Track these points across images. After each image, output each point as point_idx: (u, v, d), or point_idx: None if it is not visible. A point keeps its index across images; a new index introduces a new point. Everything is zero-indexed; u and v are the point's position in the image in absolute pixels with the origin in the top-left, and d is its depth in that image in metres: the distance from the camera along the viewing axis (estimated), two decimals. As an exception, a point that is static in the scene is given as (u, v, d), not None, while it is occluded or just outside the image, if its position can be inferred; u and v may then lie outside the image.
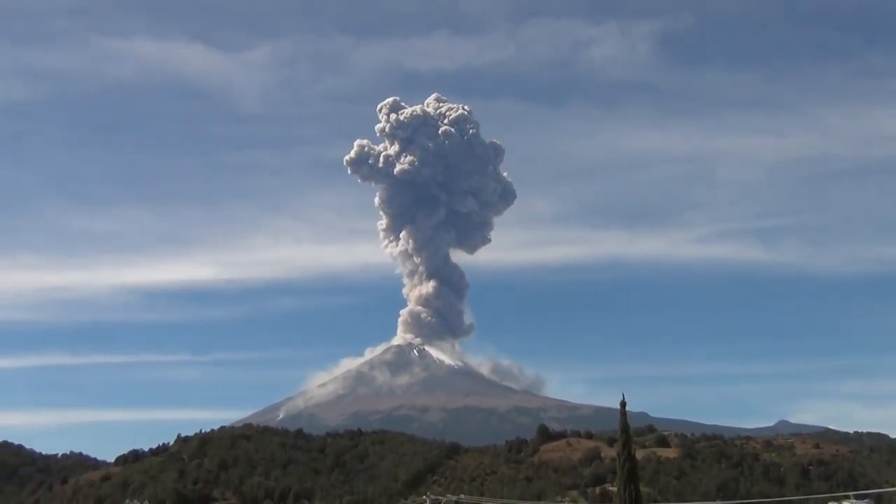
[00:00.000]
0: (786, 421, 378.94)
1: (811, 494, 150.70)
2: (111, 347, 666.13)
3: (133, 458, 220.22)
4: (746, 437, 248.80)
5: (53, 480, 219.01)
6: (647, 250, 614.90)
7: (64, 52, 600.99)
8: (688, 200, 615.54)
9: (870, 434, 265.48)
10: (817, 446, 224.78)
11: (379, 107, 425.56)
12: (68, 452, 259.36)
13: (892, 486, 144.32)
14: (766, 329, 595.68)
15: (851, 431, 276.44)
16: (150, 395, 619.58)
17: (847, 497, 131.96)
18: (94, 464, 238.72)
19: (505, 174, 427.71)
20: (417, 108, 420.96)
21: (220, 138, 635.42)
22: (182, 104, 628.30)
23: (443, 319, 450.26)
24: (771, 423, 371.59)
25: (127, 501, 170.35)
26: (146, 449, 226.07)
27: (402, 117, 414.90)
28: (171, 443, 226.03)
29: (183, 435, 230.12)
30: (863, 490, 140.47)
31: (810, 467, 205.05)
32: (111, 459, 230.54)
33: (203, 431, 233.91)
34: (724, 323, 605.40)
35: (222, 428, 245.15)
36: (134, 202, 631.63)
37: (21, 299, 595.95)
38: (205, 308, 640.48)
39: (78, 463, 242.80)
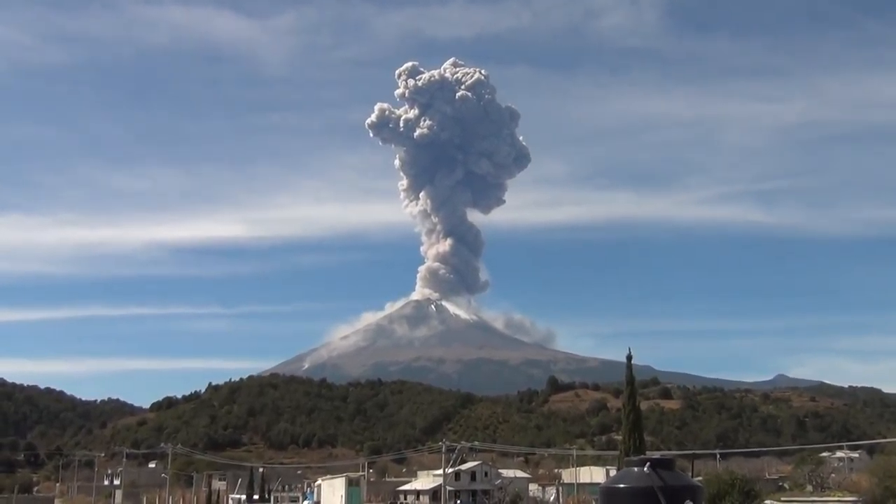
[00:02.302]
0: (783, 375, 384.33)
1: (807, 445, 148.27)
2: (145, 300, 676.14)
3: (167, 404, 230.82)
4: (745, 389, 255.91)
5: (93, 425, 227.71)
6: (652, 211, 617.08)
7: (98, 18, 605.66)
8: (692, 164, 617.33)
9: (863, 388, 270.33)
10: (813, 399, 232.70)
11: (397, 72, 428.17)
12: (106, 399, 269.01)
13: (884, 437, 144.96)
14: (765, 287, 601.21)
15: (846, 386, 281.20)
16: (183, 345, 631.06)
17: (841, 448, 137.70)
18: (130, 409, 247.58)
19: (521, 138, 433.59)
20: (435, 72, 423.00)
21: (246, 101, 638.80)
22: (211, 69, 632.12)
23: (459, 276, 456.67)
24: (769, 377, 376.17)
25: (162, 445, 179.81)
26: (179, 396, 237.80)
27: (420, 83, 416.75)
28: (203, 390, 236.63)
29: (214, 383, 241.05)
30: (856, 441, 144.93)
31: (806, 419, 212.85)
32: (146, 406, 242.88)
33: (232, 380, 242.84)
34: (726, 281, 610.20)
35: (251, 377, 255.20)
36: (165, 162, 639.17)
37: (60, 254, 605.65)
38: (233, 263, 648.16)
39: (116, 409, 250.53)
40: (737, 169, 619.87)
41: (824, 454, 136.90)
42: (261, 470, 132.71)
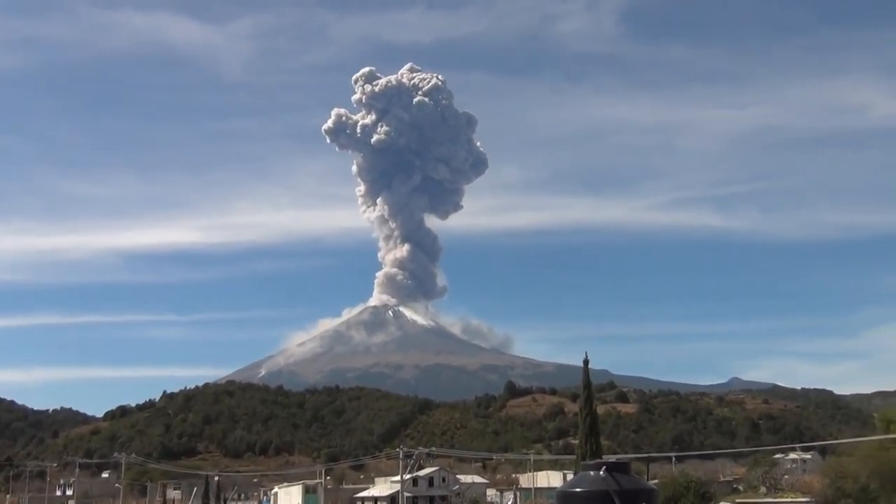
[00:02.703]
0: (737, 378, 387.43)
1: (760, 447, 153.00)
2: (100, 307, 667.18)
3: (121, 413, 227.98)
4: (700, 393, 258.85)
5: (45, 434, 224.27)
6: (610, 216, 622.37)
7: (55, 22, 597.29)
8: (650, 169, 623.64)
9: (816, 390, 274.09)
10: (766, 402, 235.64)
11: (354, 78, 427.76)
12: (59, 408, 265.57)
13: (836, 439, 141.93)
14: (720, 291, 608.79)
15: (799, 388, 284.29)
16: (138, 353, 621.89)
17: (794, 449, 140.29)
18: (83, 419, 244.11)
19: (478, 143, 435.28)
20: (392, 78, 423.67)
21: (205, 107, 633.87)
22: (169, 74, 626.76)
23: (417, 281, 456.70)
24: (723, 380, 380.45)
25: (115, 454, 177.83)
26: (133, 404, 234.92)
27: (377, 88, 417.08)
28: (158, 399, 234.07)
29: (168, 391, 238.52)
30: (808, 443, 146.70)
31: (760, 421, 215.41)
32: (100, 414, 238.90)
33: (188, 388, 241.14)
34: (682, 285, 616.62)
35: (206, 384, 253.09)
36: (122, 168, 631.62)
37: (14, 262, 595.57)
38: (189, 270, 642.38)
39: (68, 418, 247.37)
40: (694, 174, 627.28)
41: (778, 456, 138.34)
42: (216, 478, 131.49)
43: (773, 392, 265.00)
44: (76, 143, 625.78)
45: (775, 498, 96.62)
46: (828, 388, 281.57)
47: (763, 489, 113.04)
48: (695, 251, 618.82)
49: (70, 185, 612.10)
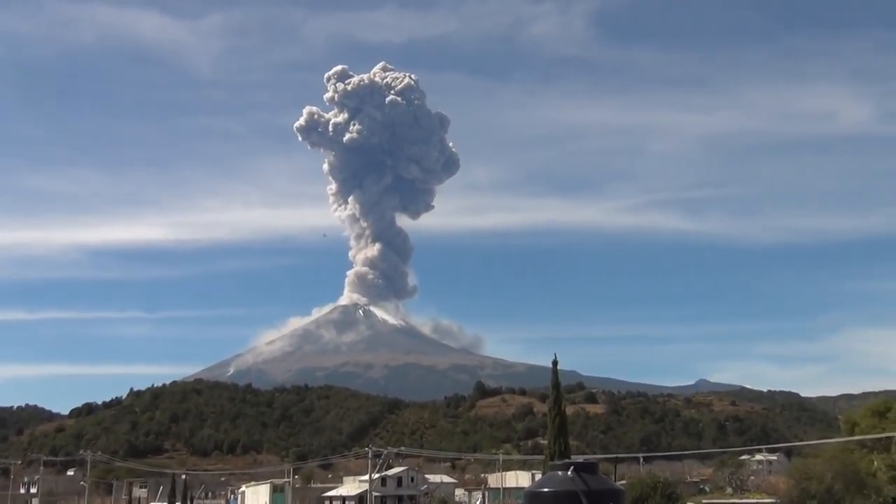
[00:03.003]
0: (705, 380, 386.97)
1: (727, 448, 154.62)
2: (65, 304, 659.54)
3: (87, 410, 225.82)
4: (668, 394, 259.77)
5: (9, 431, 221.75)
6: (580, 218, 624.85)
7: (20, 15, 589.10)
8: (620, 171, 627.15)
9: (782, 393, 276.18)
10: (733, 404, 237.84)
11: (326, 76, 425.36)
12: (24, 405, 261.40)
13: (802, 440, 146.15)
14: (689, 294, 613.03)
15: (765, 390, 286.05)
16: (104, 350, 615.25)
17: (760, 451, 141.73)
18: (48, 416, 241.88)
19: (451, 144, 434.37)
20: (365, 76, 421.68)
21: (173, 103, 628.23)
22: (137, 69, 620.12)
23: (388, 281, 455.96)
24: (691, 382, 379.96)
25: (81, 452, 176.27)
26: (100, 402, 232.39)
27: (349, 87, 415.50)
28: (125, 396, 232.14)
29: (136, 389, 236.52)
30: (774, 444, 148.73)
31: (727, 423, 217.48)
32: (66, 412, 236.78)
33: (155, 385, 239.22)
34: (650, 287, 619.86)
35: (174, 382, 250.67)
36: (88, 164, 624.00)
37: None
38: (157, 267, 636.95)
39: (33, 415, 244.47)
40: (663, 177, 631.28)
41: (744, 457, 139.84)
42: (183, 477, 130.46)
43: (740, 394, 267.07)
44: (41, 139, 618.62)
45: (741, 499, 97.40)
46: (794, 391, 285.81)
47: (729, 490, 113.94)
48: (663, 254, 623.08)
49: (35, 180, 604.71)
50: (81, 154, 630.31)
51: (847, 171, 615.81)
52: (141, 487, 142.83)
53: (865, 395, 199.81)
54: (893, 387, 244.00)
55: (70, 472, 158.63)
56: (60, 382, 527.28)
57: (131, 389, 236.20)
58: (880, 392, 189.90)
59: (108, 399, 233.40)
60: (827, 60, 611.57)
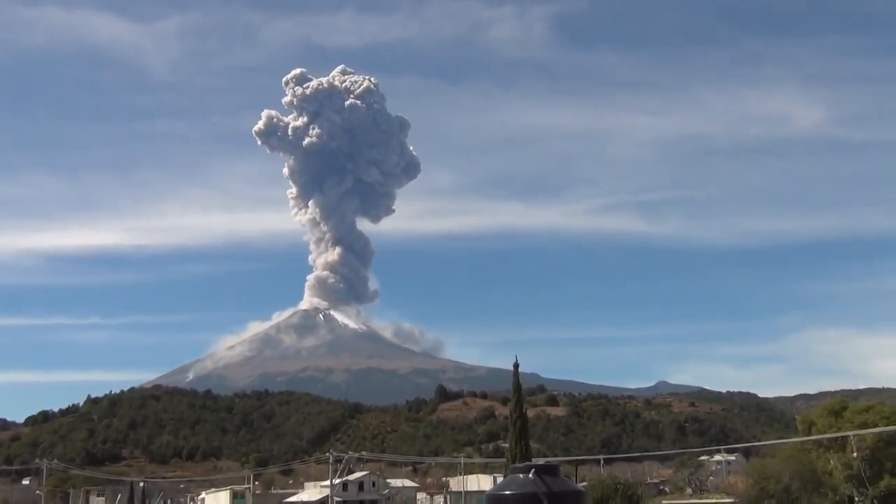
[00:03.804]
0: (665, 381, 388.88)
1: (687, 449, 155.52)
2: (19, 310, 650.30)
3: (43, 418, 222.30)
4: (629, 396, 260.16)
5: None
6: (539, 221, 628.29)
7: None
8: (578, 175, 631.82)
9: (740, 393, 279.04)
10: (693, 405, 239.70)
11: (285, 80, 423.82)
12: None
13: (760, 441, 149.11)
14: (648, 296, 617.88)
15: (724, 391, 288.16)
16: (60, 356, 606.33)
17: (718, 451, 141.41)
18: (3, 424, 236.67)
19: (411, 148, 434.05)
20: (324, 80, 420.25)
21: (130, 107, 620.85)
22: (92, 73, 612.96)
23: (348, 285, 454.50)
24: (651, 384, 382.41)
25: (36, 460, 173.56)
26: (56, 409, 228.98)
27: (308, 91, 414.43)
28: (82, 403, 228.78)
29: (93, 396, 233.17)
30: (733, 445, 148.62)
31: (686, 424, 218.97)
32: (20, 420, 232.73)
33: (113, 392, 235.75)
34: (610, 290, 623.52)
35: (132, 389, 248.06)
36: (42, 168, 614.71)
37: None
38: (114, 273, 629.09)
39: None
40: (621, 180, 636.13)
41: (703, 458, 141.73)
42: (141, 484, 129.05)
43: (699, 395, 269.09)
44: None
45: (701, 499, 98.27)
46: (752, 392, 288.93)
47: (689, 490, 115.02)
48: (622, 256, 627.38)
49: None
50: (36, 158, 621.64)
51: (801, 174, 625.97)
52: (98, 496, 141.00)
53: (822, 395, 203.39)
54: (849, 387, 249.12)
55: (25, 482, 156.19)
56: (15, 390, 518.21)
57: (88, 396, 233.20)
58: (836, 392, 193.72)
59: (64, 406, 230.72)
60: (781, 64, 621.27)
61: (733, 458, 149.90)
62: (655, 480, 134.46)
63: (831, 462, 67.07)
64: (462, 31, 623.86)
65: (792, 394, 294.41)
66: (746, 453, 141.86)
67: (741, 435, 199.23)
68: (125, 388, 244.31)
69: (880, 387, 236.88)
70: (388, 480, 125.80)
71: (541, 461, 10.70)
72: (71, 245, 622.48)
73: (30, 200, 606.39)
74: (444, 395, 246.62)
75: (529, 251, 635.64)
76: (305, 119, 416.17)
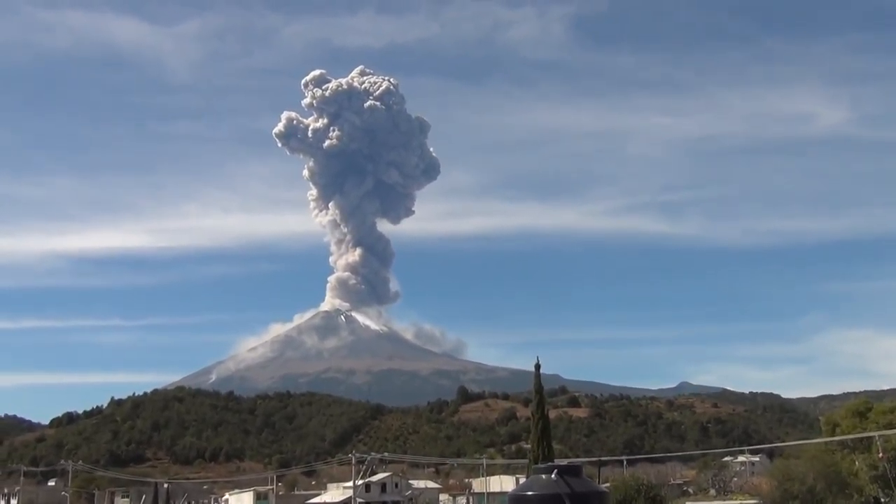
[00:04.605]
0: (687, 382, 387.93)
1: (709, 450, 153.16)
2: (44, 312, 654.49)
3: (67, 420, 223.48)
4: (651, 397, 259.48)
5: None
6: (560, 222, 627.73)
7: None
8: (599, 175, 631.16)
9: (763, 394, 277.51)
10: (715, 406, 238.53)
11: (304, 82, 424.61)
12: (3, 415, 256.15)
13: (783, 442, 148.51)
14: (669, 296, 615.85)
15: (747, 392, 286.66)
16: (84, 358, 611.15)
17: (742, 452, 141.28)
18: (28, 426, 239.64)
19: (431, 149, 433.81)
20: (343, 81, 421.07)
21: (151, 109, 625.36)
22: (113, 75, 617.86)
23: (369, 286, 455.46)
24: (673, 385, 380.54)
25: (62, 462, 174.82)
26: (80, 411, 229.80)
27: (327, 93, 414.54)
28: (105, 405, 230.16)
29: (116, 397, 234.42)
30: (757, 446, 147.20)
31: (709, 425, 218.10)
32: (46, 422, 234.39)
33: (136, 394, 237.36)
34: (631, 290, 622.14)
35: (155, 391, 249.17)
36: (65, 170, 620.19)
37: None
38: (136, 274, 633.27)
39: (13, 425, 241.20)
40: (641, 180, 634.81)
41: (726, 459, 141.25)
42: (165, 485, 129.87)
43: (722, 396, 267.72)
44: (15, 144, 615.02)
45: (724, 500, 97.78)
46: (775, 392, 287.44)
47: (712, 491, 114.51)
48: (643, 257, 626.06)
49: (11, 187, 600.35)
50: (58, 160, 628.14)
51: (824, 173, 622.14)
52: (123, 497, 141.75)
53: (846, 395, 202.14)
54: (873, 387, 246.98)
55: (51, 483, 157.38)
56: (40, 392, 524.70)
57: (112, 398, 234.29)
58: (860, 393, 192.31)
59: (88, 408, 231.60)
60: (803, 63, 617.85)
61: (757, 459, 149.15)
62: (679, 482, 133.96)
63: (856, 463, 66.60)
64: (481, 32, 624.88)
65: (815, 395, 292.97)
66: (770, 454, 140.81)
67: (764, 436, 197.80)
68: (148, 390, 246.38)
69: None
70: (411, 482, 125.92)
71: (563, 462, 10.75)
72: (94, 247, 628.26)
73: (52, 202, 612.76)
74: (466, 396, 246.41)
75: (550, 252, 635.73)
76: (325, 121, 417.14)
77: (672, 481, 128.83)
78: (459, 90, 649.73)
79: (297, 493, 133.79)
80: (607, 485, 70.16)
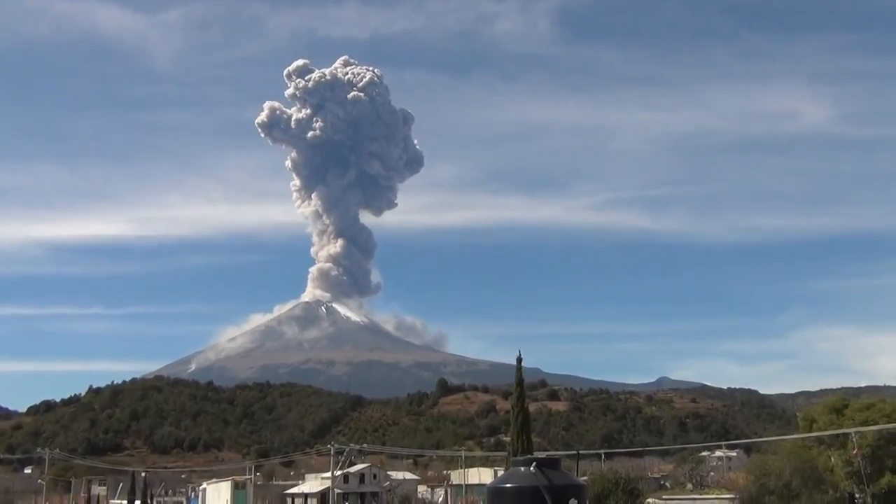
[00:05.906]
0: (666, 377, 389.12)
1: (687, 445, 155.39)
2: (23, 299, 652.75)
3: (45, 408, 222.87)
4: (630, 391, 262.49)
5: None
6: (543, 216, 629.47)
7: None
8: (582, 170, 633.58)
9: (741, 390, 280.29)
10: (694, 401, 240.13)
11: (286, 72, 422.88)
12: None
13: (760, 437, 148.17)
14: (650, 291, 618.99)
15: (725, 388, 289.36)
16: (62, 346, 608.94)
17: (719, 447, 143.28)
18: (5, 413, 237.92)
19: (416, 142, 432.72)
20: (326, 71, 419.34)
21: (134, 97, 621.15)
22: (96, 63, 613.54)
23: (351, 277, 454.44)
24: (652, 380, 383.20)
25: (38, 450, 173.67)
26: (58, 399, 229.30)
27: (310, 83, 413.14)
28: (83, 393, 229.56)
29: (95, 386, 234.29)
30: (734, 441, 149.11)
31: (687, 420, 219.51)
32: (23, 409, 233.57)
33: (115, 382, 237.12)
34: (613, 285, 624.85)
35: (134, 379, 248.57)
36: (47, 158, 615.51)
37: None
38: (117, 263, 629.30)
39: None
40: (625, 176, 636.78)
41: (704, 453, 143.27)
42: (143, 474, 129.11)
43: (701, 391, 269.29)
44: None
45: (701, 494, 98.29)
46: (753, 388, 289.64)
47: (690, 486, 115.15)
48: (625, 252, 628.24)
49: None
50: (40, 148, 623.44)
51: (807, 171, 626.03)
52: (100, 485, 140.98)
53: (823, 392, 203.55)
54: (851, 384, 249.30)
55: (27, 470, 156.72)
56: (18, 379, 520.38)
57: (90, 387, 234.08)
58: (838, 389, 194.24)
59: (66, 396, 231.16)
60: (787, 61, 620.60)
61: (734, 454, 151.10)
62: (656, 475, 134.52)
63: (832, 459, 67.03)
64: (466, 25, 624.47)
65: (793, 391, 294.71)
66: (747, 449, 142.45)
67: (742, 431, 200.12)
68: (127, 379, 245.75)
69: (882, 384, 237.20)
70: (389, 473, 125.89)
71: (542, 455, 10.75)
72: (74, 235, 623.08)
73: (34, 190, 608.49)
74: (446, 388, 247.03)
75: (532, 246, 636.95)
76: (308, 111, 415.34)
77: (650, 475, 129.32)
78: (444, 83, 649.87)
79: (275, 483, 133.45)
80: (585, 478, 70.36)
